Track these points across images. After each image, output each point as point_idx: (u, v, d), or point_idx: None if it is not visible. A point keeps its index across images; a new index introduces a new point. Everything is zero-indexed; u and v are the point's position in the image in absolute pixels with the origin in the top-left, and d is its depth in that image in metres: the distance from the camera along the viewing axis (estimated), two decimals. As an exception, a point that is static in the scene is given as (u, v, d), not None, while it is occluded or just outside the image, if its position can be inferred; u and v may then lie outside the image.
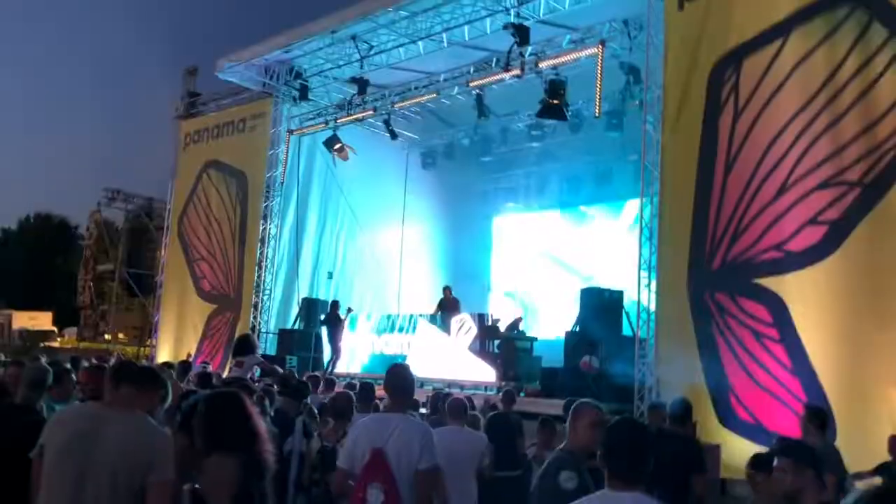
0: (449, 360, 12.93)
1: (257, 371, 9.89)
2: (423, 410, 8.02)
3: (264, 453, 3.13)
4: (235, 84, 16.44)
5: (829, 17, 8.52)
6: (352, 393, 6.40)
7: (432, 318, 13.88)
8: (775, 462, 3.47)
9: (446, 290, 14.84)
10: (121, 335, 27.29)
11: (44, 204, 79.65)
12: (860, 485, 5.57)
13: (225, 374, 10.45)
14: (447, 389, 10.81)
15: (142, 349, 22.23)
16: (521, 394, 11.60)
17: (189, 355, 15.05)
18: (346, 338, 14.37)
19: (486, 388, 12.00)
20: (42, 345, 25.19)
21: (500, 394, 9.22)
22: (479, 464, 5.59)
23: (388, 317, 14.64)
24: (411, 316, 14.24)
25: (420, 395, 9.27)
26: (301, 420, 5.94)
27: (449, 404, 5.81)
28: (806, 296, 8.32)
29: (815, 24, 8.62)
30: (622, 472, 2.65)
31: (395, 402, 4.09)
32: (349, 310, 14.40)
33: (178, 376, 8.57)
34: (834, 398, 7.86)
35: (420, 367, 13.02)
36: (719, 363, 8.83)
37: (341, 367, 14.09)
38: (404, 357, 13.37)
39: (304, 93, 15.51)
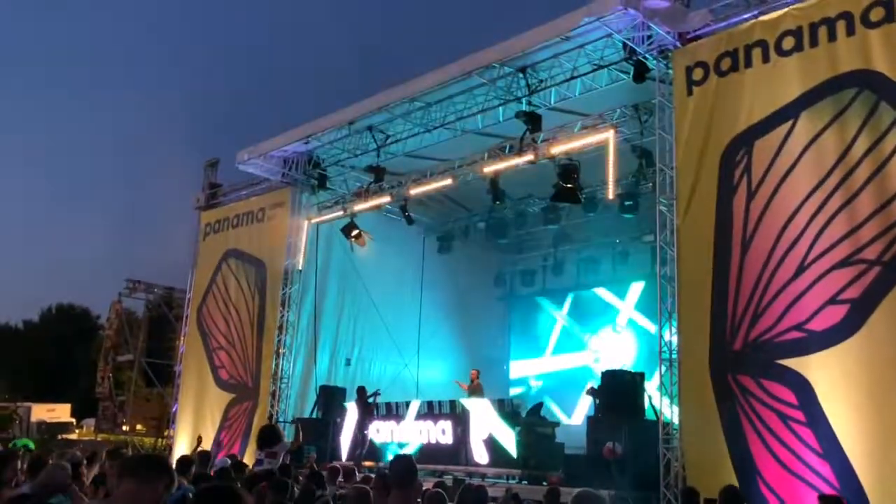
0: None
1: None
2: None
3: None
4: (255, 175, 16.78)
5: (837, 99, 8.66)
6: None
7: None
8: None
9: (474, 372, 14.80)
10: (139, 426, 27.08)
11: (66, 295, 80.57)
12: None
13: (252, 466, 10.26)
14: (467, 479, 10.57)
15: (160, 440, 22.01)
16: (544, 482, 11.32)
17: (199, 438, 14.78)
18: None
19: (507, 478, 11.71)
20: (60, 437, 25.05)
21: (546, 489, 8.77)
22: None
23: (407, 403, 14.43)
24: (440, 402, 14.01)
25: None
26: None
27: (428, 496, 5.37)
28: (832, 376, 8.17)
29: (824, 105, 8.76)
30: None
31: (402, 494, 4.01)
32: (376, 393, 14.23)
33: (199, 467, 8.41)
34: (867, 483, 7.63)
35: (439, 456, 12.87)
36: (746, 447, 8.62)
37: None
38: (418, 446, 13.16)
39: (322, 182, 15.81)
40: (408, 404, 13.99)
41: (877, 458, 7.70)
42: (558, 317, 18.83)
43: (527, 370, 19.12)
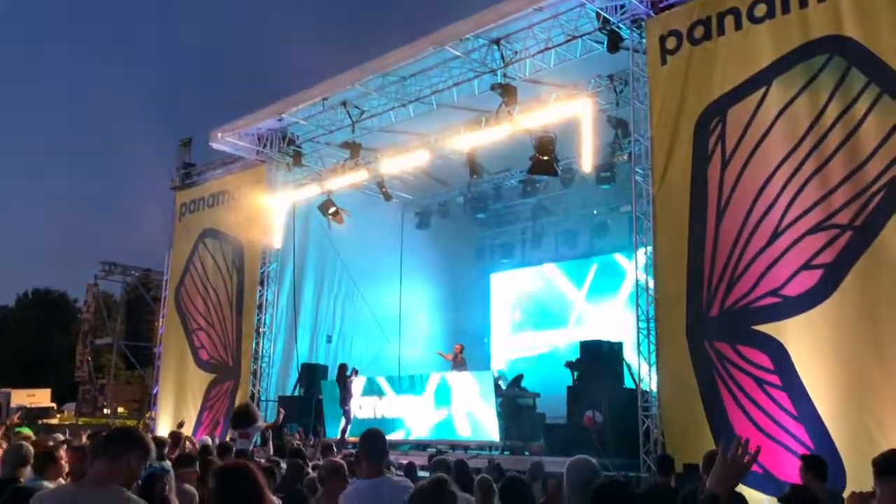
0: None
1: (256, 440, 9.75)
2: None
3: None
4: (229, 153, 16.61)
5: (809, 66, 8.70)
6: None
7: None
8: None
9: (457, 347, 14.87)
10: (120, 409, 26.98)
11: (42, 279, 79.70)
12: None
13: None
14: (450, 452, 10.65)
15: (141, 422, 21.94)
16: (526, 452, 11.45)
17: (181, 423, 14.68)
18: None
19: (490, 449, 11.81)
20: (41, 422, 24.84)
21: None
22: None
23: (390, 378, 14.45)
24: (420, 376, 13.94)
25: (422, 458, 9.15)
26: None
27: (434, 461, 5.58)
28: (806, 341, 8.29)
29: (795, 72, 8.80)
30: None
31: (374, 465, 4.14)
32: (354, 371, 14.22)
33: (170, 449, 8.37)
34: (841, 444, 7.76)
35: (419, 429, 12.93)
36: (723, 412, 8.74)
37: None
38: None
39: (297, 159, 15.66)
40: (423, 377, 13.66)
41: (849, 419, 7.84)
42: (537, 288, 18.81)
43: (508, 342, 19.21)
